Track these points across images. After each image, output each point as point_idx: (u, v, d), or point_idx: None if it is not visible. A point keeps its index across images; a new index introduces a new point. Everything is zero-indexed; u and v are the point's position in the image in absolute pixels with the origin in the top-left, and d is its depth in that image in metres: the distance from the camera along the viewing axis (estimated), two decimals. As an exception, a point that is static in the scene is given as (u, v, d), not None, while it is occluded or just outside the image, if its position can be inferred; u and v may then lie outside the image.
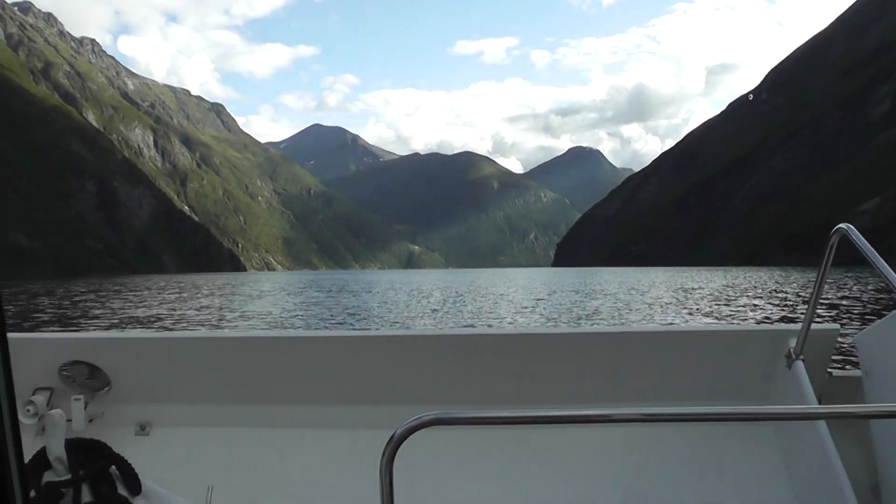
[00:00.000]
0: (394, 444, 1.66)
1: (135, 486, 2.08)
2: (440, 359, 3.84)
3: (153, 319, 35.74)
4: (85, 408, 3.74)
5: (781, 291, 55.05)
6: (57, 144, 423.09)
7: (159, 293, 65.98)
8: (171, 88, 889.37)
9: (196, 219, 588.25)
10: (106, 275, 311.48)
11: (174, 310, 42.62)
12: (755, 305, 40.14)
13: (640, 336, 3.86)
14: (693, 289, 62.61)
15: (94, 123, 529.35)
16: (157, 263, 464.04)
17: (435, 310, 41.83)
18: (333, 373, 3.90)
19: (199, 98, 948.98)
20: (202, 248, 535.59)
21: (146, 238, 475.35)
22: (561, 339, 3.85)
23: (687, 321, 31.92)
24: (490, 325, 31.92)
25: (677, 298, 47.88)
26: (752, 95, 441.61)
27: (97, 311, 41.04)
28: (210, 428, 3.90)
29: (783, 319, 30.98)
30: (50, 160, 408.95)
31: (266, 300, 52.12)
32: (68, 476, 1.99)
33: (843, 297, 41.82)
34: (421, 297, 55.78)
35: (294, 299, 55.47)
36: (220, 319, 34.35)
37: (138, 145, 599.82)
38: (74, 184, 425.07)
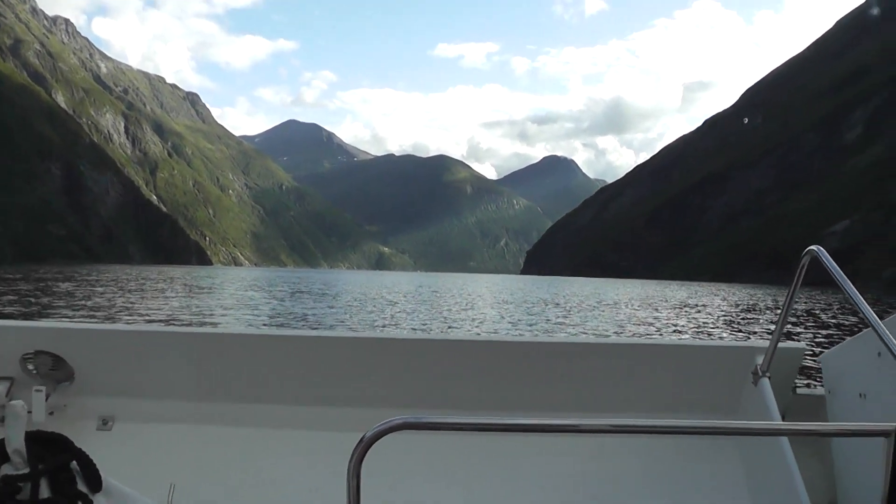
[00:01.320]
0: (362, 448, 1.65)
1: (96, 482, 2.02)
2: (413, 363, 3.84)
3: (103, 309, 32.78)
4: (46, 399, 3.63)
5: (751, 308, 55.16)
6: (23, 125, 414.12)
7: (92, 285, 61.38)
8: (146, 74, 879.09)
9: (164, 209, 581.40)
10: (68, 262, 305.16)
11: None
12: (725, 321, 40.47)
13: (611, 347, 3.91)
14: (664, 302, 61.70)
15: (64, 105, 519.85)
16: (122, 253, 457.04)
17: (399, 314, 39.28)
18: (303, 373, 3.87)
19: (174, 86, 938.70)
20: (169, 240, 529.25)
21: (112, 226, 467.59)
22: (533, 348, 3.90)
23: (657, 335, 31.83)
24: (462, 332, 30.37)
25: (647, 312, 47.29)
26: (746, 119, 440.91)
27: (59, 300, 37.99)
28: (175, 424, 3.83)
29: (751, 336, 31.62)
30: (15, 141, 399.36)
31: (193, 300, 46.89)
32: (27, 470, 1.93)
33: (810, 317, 42.07)
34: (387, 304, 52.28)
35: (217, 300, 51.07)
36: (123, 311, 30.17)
37: (108, 130, 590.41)
38: (40, 166, 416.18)
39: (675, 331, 33.38)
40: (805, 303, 59.58)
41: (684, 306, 55.15)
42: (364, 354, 3.87)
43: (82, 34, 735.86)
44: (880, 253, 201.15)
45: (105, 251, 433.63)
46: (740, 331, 34.55)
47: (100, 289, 52.48)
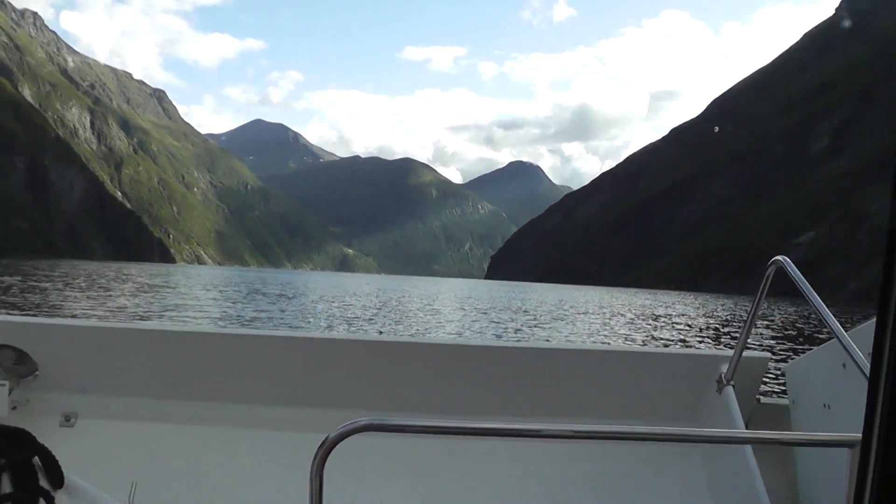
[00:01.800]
0: (326, 448, 1.65)
1: (57, 478, 1.90)
2: (379, 365, 3.83)
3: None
4: (9, 394, 3.59)
5: (715, 317, 56.11)
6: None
7: (40, 280, 60.85)
8: (113, 70, 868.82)
9: (128, 205, 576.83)
10: (30, 256, 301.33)
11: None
12: (690, 329, 41.35)
13: (577, 353, 3.95)
14: (629, 310, 62.98)
15: (30, 99, 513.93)
16: (86, 248, 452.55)
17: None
18: (269, 373, 3.85)
19: (141, 82, 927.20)
20: (133, 237, 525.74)
21: (75, 221, 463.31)
22: (500, 353, 3.94)
23: (622, 342, 32.77)
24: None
25: (615, 320, 48.22)
26: (717, 128, 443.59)
27: (15, 296, 38.11)
28: (138, 422, 3.78)
29: (716, 345, 32.35)
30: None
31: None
32: None
33: (775, 327, 42.77)
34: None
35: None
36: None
37: (74, 125, 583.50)
38: (4, 160, 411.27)
39: (640, 338, 34.19)
40: (770, 313, 60.72)
41: (652, 315, 55.98)
42: (330, 355, 3.86)
43: (50, 28, 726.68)
44: (846, 265, 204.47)
45: (68, 246, 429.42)
46: (706, 339, 35.51)
47: (47, 284, 52.58)
